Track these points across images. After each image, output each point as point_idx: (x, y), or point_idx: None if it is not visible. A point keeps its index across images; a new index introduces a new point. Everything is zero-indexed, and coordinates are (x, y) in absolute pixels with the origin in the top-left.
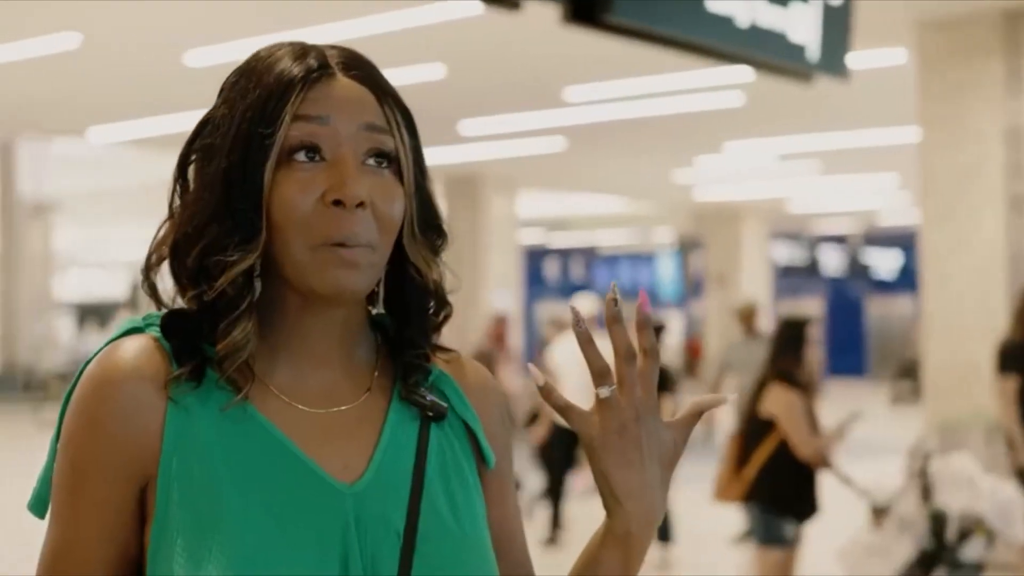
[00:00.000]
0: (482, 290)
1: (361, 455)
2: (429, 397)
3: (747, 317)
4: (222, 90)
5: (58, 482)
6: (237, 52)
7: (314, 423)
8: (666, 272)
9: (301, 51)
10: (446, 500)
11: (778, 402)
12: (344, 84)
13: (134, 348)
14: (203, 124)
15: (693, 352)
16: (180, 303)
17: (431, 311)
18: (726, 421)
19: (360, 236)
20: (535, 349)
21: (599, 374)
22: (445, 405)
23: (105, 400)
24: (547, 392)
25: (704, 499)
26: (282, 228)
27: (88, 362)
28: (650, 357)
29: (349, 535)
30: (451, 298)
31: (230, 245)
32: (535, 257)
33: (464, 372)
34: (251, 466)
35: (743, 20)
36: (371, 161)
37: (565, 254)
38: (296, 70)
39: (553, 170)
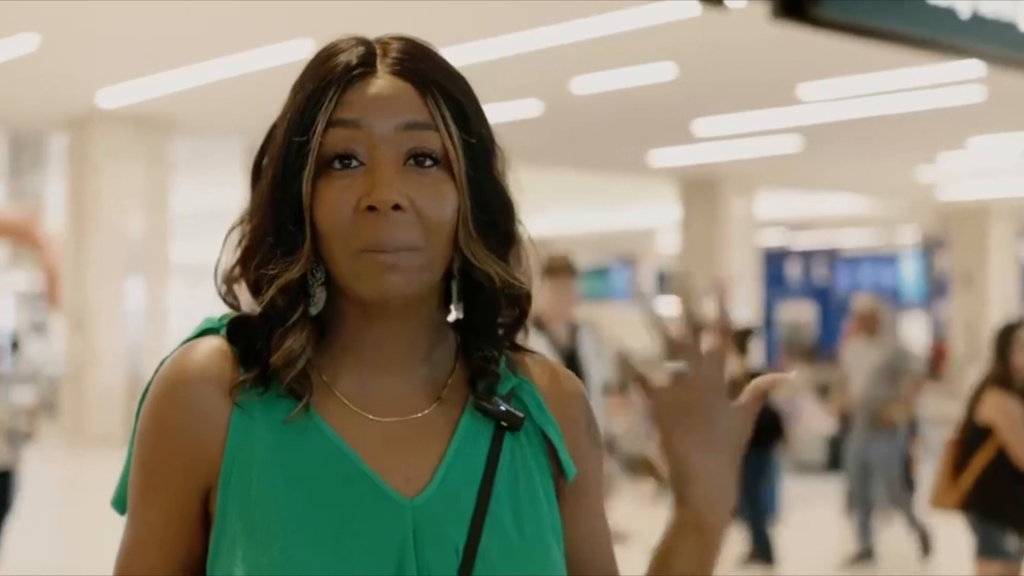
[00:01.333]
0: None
1: (425, 467)
2: (504, 407)
3: (867, 318)
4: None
5: (131, 481)
6: (466, 56)
7: (379, 432)
8: (910, 273)
9: (349, 47)
10: (512, 516)
11: (994, 408)
12: (382, 82)
13: (205, 351)
14: (270, 131)
15: (938, 355)
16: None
17: (500, 312)
18: None
19: (398, 240)
20: (773, 351)
21: (674, 349)
22: (521, 415)
23: (173, 403)
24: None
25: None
26: (327, 238)
27: (163, 362)
28: (723, 336)
29: (406, 550)
30: (677, 301)
31: (273, 259)
32: (776, 258)
33: (547, 380)
34: (310, 476)
35: (965, 10)
36: (414, 161)
37: (807, 255)
38: (333, 72)
39: (790, 170)
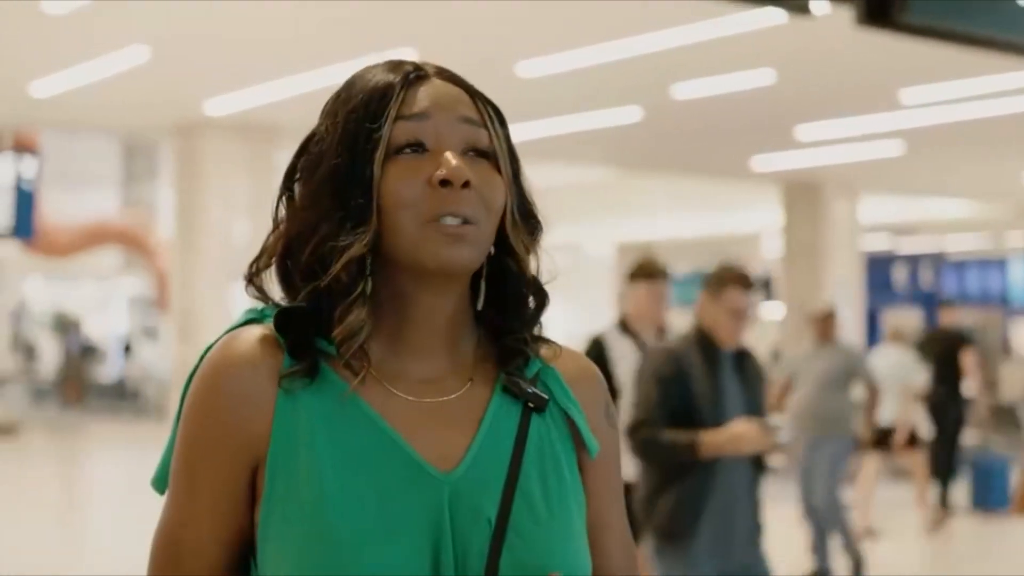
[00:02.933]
0: (822, 296)
1: (460, 444)
2: (530, 389)
3: (821, 323)
4: (323, 109)
5: (176, 462)
6: (567, 63)
7: (416, 411)
8: (1019, 278)
9: (396, 64)
10: (541, 490)
11: None
12: (439, 84)
13: (251, 338)
14: (308, 139)
15: None
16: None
17: (529, 301)
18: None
19: (467, 211)
20: None
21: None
22: (546, 397)
23: (220, 387)
24: None
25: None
26: (392, 212)
27: (210, 348)
28: None
29: (443, 522)
30: (781, 306)
31: (342, 233)
32: (881, 263)
33: (568, 365)
34: (353, 453)
35: None
36: (470, 152)
37: (913, 260)
38: (393, 76)
39: (894, 174)
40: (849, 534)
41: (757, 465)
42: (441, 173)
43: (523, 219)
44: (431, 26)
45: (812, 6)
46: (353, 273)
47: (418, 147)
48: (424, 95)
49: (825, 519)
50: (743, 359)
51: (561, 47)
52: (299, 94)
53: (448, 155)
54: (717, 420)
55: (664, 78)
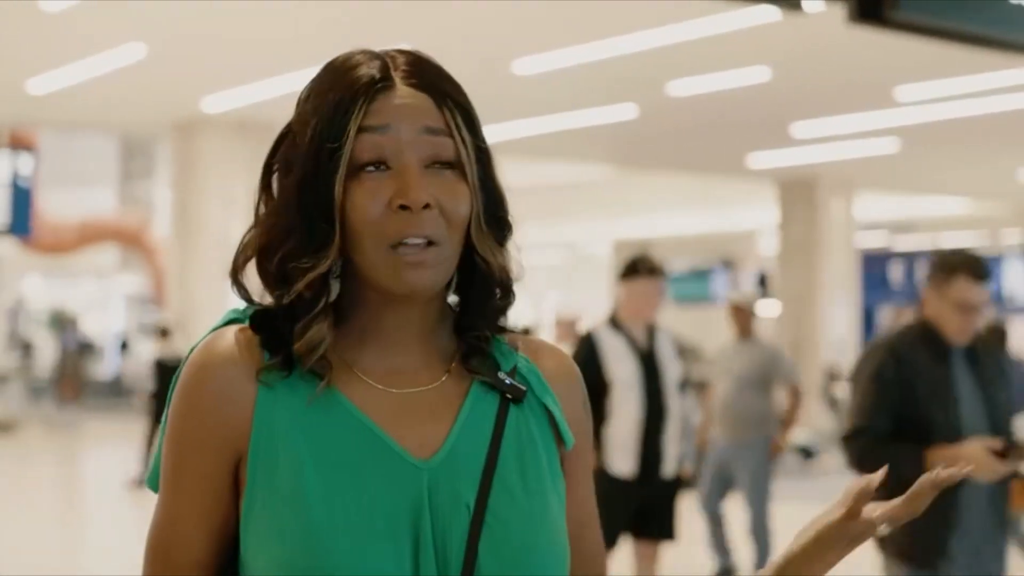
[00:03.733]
0: (818, 293)
1: (438, 433)
2: (508, 380)
3: (738, 315)
4: (299, 103)
5: (164, 461)
6: (563, 60)
7: (394, 402)
8: (1015, 276)
9: (365, 61)
10: (519, 479)
11: None
12: (403, 92)
13: (231, 338)
14: (283, 135)
15: None
16: (269, 299)
17: (497, 297)
18: None
19: (427, 234)
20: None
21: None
22: (524, 388)
23: (203, 385)
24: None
25: None
26: (356, 233)
27: (192, 350)
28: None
29: (423, 508)
30: (777, 303)
31: (304, 254)
32: (877, 261)
33: (546, 359)
34: (333, 444)
35: None
36: (434, 164)
37: (908, 257)
38: (358, 84)
39: (889, 171)
40: (765, 552)
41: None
42: (400, 198)
43: (490, 224)
44: (428, 24)
45: (805, 4)
46: (316, 289)
47: (379, 164)
48: (386, 107)
49: (755, 519)
50: (981, 355)
51: (557, 45)
52: (297, 91)
53: (408, 177)
54: (951, 427)
55: (660, 76)
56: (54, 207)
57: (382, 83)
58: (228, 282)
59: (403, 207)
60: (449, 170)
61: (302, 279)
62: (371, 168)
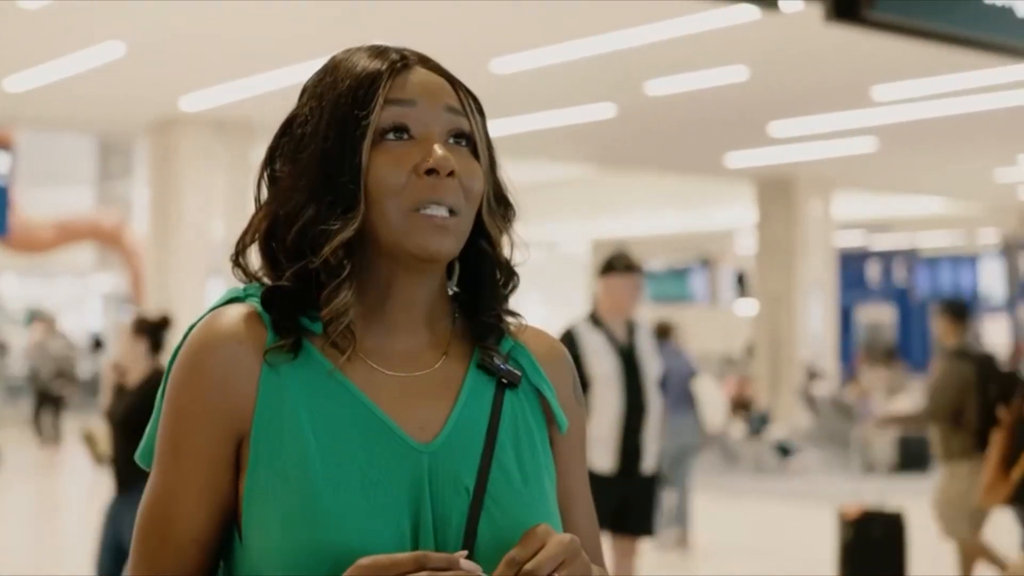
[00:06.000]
0: (796, 292)
1: (438, 416)
2: (504, 366)
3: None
4: (304, 90)
5: (162, 434)
6: (541, 59)
7: (395, 385)
8: (990, 274)
9: (380, 50)
10: (516, 462)
11: None
12: (424, 73)
13: (234, 316)
14: (290, 120)
15: (1017, 353)
16: (267, 282)
17: (502, 280)
18: None
19: (450, 200)
20: (850, 353)
21: None
22: (519, 373)
23: (205, 362)
24: None
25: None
26: (378, 198)
27: (193, 326)
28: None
29: (422, 490)
30: (755, 302)
31: (331, 217)
32: (854, 260)
33: (537, 344)
34: (336, 426)
35: (1022, 10)
36: (452, 140)
37: (886, 257)
38: (381, 63)
39: (867, 171)
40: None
41: None
42: (428, 162)
43: (499, 205)
44: (406, 22)
45: (782, 3)
46: (340, 256)
47: (403, 132)
48: (411, 82)
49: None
50: None
51: (535, 44)
52: (275, 90)
53: (435, 144)
54: None
55: (638, 74)
56: (31, 206)
57: (403, 62)
58: (205, 280)
59: (429, 172)
60: (465, 148)
61: (331, 242)
62: (395, 137)
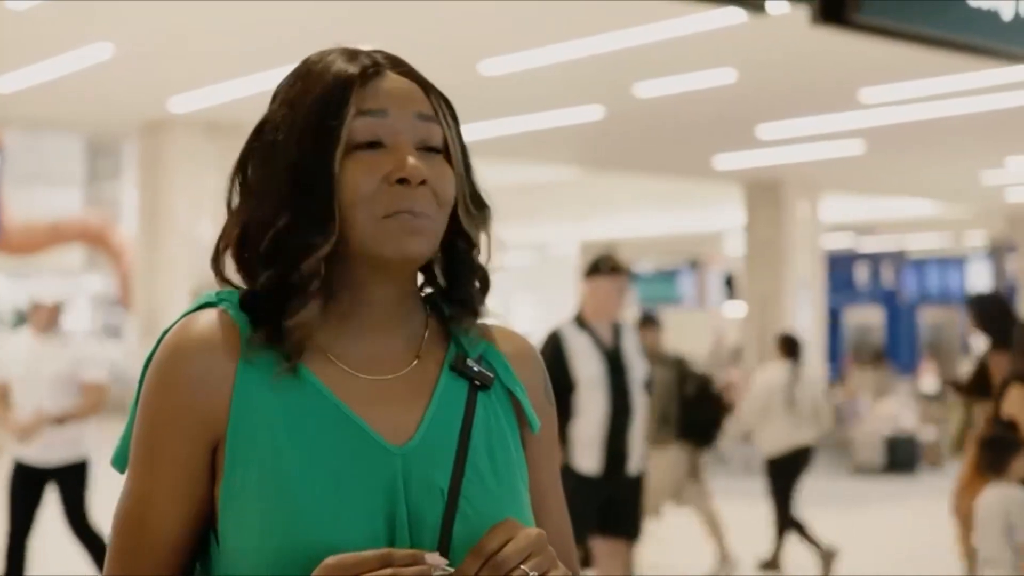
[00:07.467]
0: (784, 294)
1: (411, 419)
2: (476, 368)
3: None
4: (277, 94)
5: (136, 440)
6: (529, 61)
7: (368, 388)
8: (978, 276)
9: (352, 53)
10: (489, 463)
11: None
12: (395, 79)
13: (207, 321)
14: (262, 125)
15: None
16: (241, 286)
17: (478, 281)
18: None
19: (422, 208)
20: (839, 354)
21: None
22: (491, 375)
23: (179, 367)
24: None
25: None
26: (349, 207)
27: (166, 332)
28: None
29: (397, 493)
30: (743, 304)
31: (308, 230)
32: (842, 262)
33: (508, 345)
34: (309, 429)
35: (1008, 12)
36: (424, 147)
37: (874, 259)
38: (352, 69)
39: (854, 173)
40: None
41: None
42: (399, 172)
43: (476, 207)
44: (394, 24)
45: (768, 5)
46: (313, 268)
47: (376, 143)
48: (382, 90)
49: None
50: None
51: (524, 46)
52: (265, 92)
53: (407, 154)
54: None
55: (626, 77)
56: (20, 207)
57: (374, 69)
58: (194, 282)
59: (400, 181)
60: (437, 154)
61: (309, 257)
62: (368, 147)
